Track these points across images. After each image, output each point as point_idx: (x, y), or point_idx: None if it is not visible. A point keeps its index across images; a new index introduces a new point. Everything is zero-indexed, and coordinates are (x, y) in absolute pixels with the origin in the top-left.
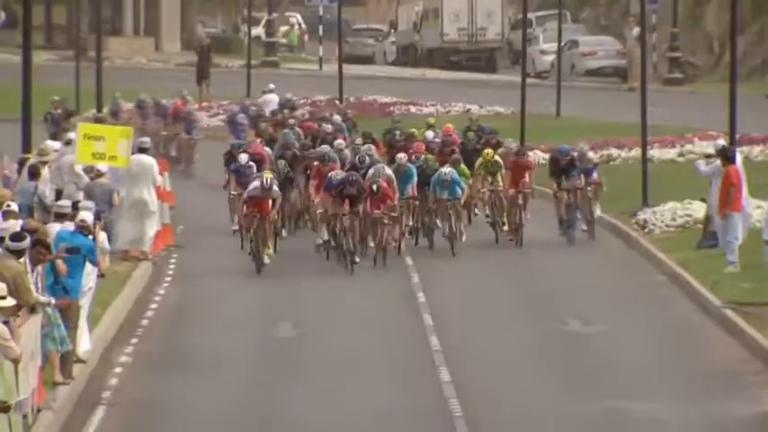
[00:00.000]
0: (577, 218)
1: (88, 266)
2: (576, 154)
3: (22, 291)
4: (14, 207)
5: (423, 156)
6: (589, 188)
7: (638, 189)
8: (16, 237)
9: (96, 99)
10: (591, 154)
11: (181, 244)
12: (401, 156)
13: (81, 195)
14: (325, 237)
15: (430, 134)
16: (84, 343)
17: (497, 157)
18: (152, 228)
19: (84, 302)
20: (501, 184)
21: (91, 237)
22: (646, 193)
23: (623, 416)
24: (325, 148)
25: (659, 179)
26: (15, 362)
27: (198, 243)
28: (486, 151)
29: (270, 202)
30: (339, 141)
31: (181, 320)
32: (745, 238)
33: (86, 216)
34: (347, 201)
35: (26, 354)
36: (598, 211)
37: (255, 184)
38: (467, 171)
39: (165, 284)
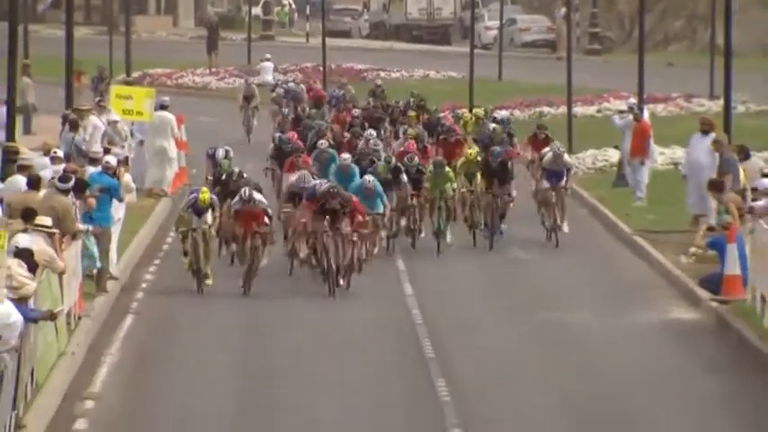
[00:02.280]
0: (501, 231)
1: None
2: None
3: (69, 222)
4: (60, 153)
5: (415, 156)
6: (554, 192)
7: (564, 139)
8: (64, 178)
9: (126, 66)
10: (566, 157)
11: (194, 184)
12: (345, 156)
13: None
14: (302, 254)
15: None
16: (114, 262)
17: (479, 158)
18: (171, 171)
19: (115, 230)
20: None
21: (116, 177)
22: (571, 142)
23: (559, 326)
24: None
25: (581, 131)
26: (61, 275)
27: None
28: (469, 151)
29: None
30: (370, 131)
31: None
32: (650, 179)
33: (111, 159)
34: (327, 216)
35: (69, 271)
36: (565, 228)
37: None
38: (451, 175)
39: None
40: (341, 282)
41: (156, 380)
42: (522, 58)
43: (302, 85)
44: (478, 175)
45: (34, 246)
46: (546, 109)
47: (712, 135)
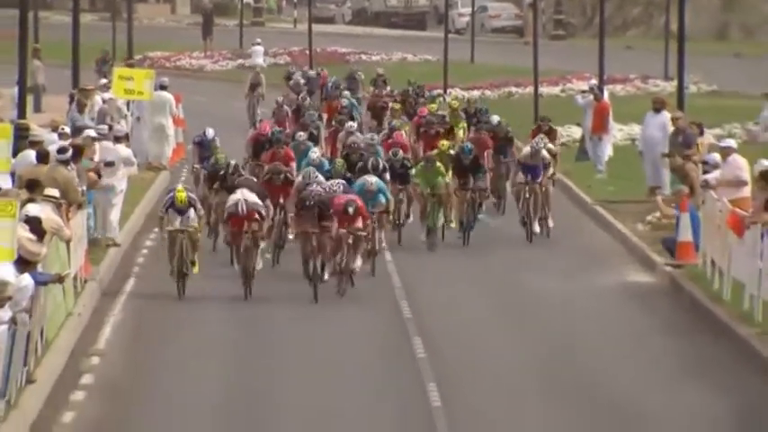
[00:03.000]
0: (478, 219)
1: (119, 173)
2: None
3: (72, 192)
4: (67, 130)
5: (399, 150)
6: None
7: (531, 117)
8: (61, 150)
9: (128, 50)
10: (545, 152)
11: (190, 161)
12: (315, 151)
13: (123, 124)
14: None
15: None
16: (116, 231)
17: (452, 151)
18: (169, 146)
19: (117, 201)
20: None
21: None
22: (537, 119)
23: (526, 289)
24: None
25: (547, 109)
26: (68, 242)
27: None
28: (442, 142)
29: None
30: (350, 124)
31: None
32: (610, 154)
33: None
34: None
35: (75, 238)
36: (550, 222)
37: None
38: (442, 170)
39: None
40: (326, 277)
41: (155, 338)
42: (493, 43)
43: (317, 72)
44: (450, 169)
45: (42, 214)
46: (514, 89)
47: (664, 113)
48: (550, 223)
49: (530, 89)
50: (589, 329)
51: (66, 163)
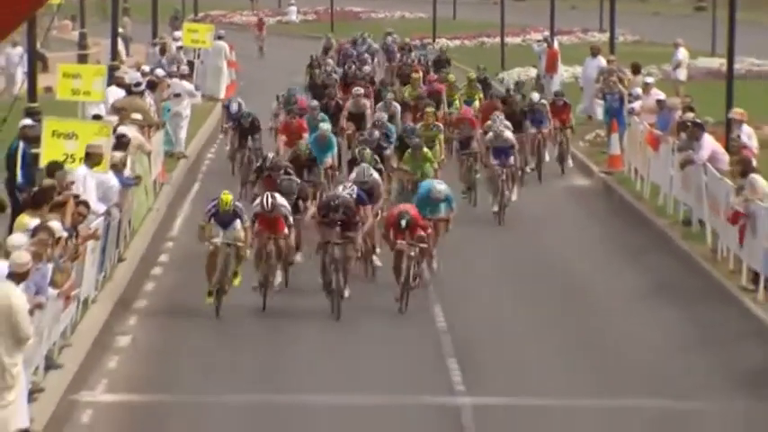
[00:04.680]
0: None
1: (185, 102)
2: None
3: (147, 117)
4: (147, 69)
5: (375, 132)
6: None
7: (498, 61)
8: (137, 84)
9: (194, 9)
10: (508, 134)
11: (241, 95)
12: (324, 125)
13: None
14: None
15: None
16: (183, 146)
17: (438, 123)
18: (224, 83)
19: (183, 124)
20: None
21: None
22: (503, 63)
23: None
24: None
25: (511, 56)
26: (149, 154)
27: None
28: (428, 109)
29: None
30: (357, 88)
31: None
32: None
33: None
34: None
35: (154, 152)
36: (514, 196)
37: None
38: (430, 156)
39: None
40: (345, 294)
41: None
42: (470, 4)
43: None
44: (438, 143)
45: (129, 133)
46: (486, 39)
47: (599, 57)
48: (514, 197)
49: (498, 39)
50: (543, 218)
51: (141, 94)
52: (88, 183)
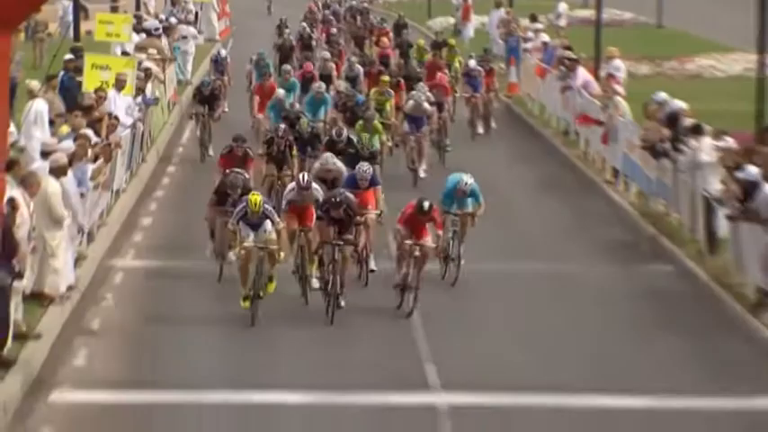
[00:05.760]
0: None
1: (191, 42)
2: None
3: (163, 53)
4: (163, 17)
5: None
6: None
7: (425, 10)
8: (155, 29)
9: None
10: (426, 105)
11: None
12: (316, 85)
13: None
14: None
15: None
16: (190, 75)
17: (389, 88)
18: (218, 27)
19: (189, 59)
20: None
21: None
22: (430, 12)
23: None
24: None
25: (435, 8)
26: (163, 83)
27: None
28: (384, 78)
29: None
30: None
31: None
32: (471, 35)
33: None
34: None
35: (168, 79)
36: (422, 173)
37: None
38: (380, 127)
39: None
40: (342, 304)
41: (218, 145)
42: None
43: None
44: (388, 106)
45: (153, 67)
46: None
47: (501, 9)
48: (422, 173)
49: None
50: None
51: (158, 36)
52: (118, 102)
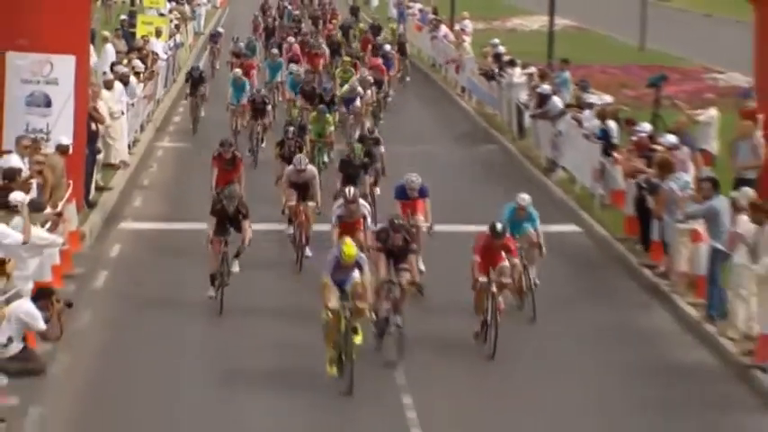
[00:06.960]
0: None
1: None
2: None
3: (185, 15)
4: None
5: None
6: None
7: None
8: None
9: None
10: (360, 88)
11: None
12: (294, 66)
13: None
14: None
15: None
16: (202, 26)
17: (355, 68)
18: None
19: (202, 12)
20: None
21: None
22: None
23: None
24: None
25: None
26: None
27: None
28: (346, 58)
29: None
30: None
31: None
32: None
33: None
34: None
35: (190, 31)
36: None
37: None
38: (331, 119)
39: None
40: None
41: (221, 85)
42: None
43: None
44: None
45: (179, 23)
46: None
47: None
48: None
49: None
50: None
51: (183, 3)
52: (157, 45)
